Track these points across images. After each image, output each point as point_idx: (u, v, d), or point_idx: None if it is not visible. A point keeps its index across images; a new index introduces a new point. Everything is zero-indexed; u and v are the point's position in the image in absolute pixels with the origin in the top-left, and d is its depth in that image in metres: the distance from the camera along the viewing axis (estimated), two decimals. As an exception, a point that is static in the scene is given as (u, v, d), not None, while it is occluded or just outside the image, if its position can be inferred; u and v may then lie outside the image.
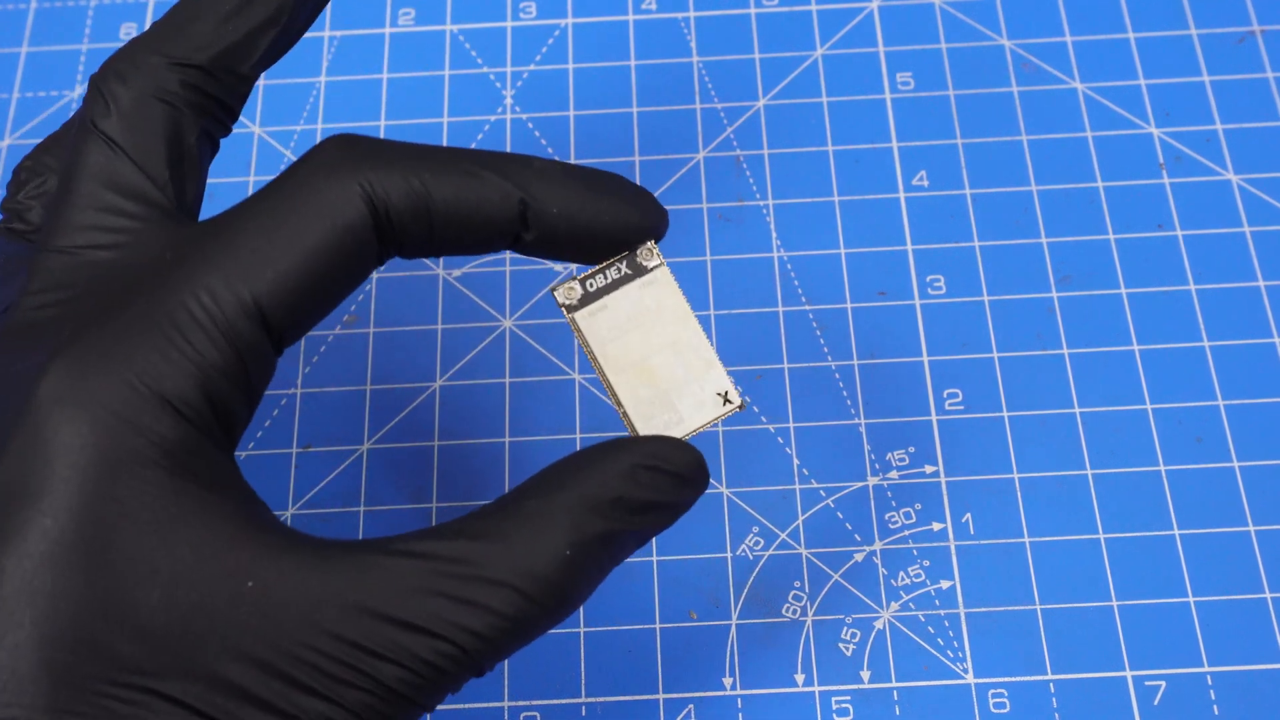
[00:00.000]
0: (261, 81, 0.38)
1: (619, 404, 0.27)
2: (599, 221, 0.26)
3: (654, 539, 0.30)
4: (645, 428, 0.27)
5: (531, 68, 0.38)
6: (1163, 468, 0.32)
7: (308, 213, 0.24)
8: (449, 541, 0.23)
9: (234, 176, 0.37)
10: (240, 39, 0.26)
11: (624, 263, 0.27)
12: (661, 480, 0.25)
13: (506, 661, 0.31)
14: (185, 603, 0.21)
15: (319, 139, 0.37)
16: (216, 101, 0.26)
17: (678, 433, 0.26)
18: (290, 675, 0.21)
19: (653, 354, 0.27)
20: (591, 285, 0.27)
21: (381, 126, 0.37)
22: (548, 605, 0.23)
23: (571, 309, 0.27)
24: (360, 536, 0.32)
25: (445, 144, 0.37)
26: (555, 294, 0.27)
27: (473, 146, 0.36)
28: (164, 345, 0.23)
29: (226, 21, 0.26)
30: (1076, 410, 0.33)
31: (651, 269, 0.27)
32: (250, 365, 0.23)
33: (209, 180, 0.29)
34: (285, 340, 0.24)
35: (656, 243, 0.26)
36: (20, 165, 0.28)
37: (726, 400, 0.27)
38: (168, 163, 0.25)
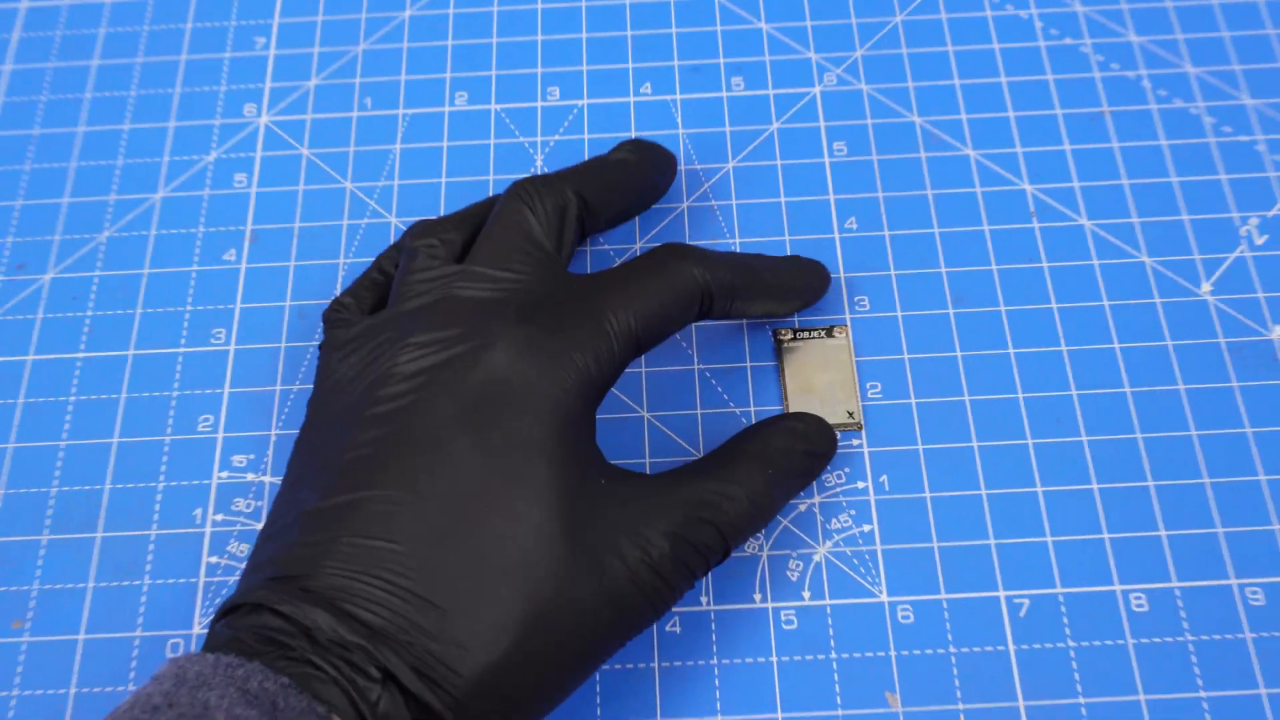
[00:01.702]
0: (351, 148, 0.40)
1: (785, 397, 0.35)
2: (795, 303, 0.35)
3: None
4: None
5: (556, 137, 0.40)
6: (1029, 440, 0.34)
7: (667, 279, 0.31)
8: (713, 472, 0.30)
9: (331, 220, 0.38)
10: (612, 200, 0.35)
11: (823, 330, 0.36)
12: (815, 437, 0.32)
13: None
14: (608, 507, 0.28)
15: (395, 194, 0.39)
16: (585, 219, 0.33)
17: None
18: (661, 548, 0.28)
19: (818, 379, 0.35)
20: (800, 335, 0.36)
21: (442, 183, 0.39)
22: (761, 508, 0.30)
23: (783, 341, 0.35)
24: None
25: (491, 195, 0.38)
26: (777, 332, 0.36)
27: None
28: (600, 337, 0.29)
29: (610, 190, 0.34)
30: (966, 398, 0.35)
31: (838, 337, 0.35)
32: (623, 364, 0.30)
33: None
34: (640, 352, 0.30)
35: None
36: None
37: (850, 415, 0.34)
38: (558, 233, 0.32)
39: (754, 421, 0.34)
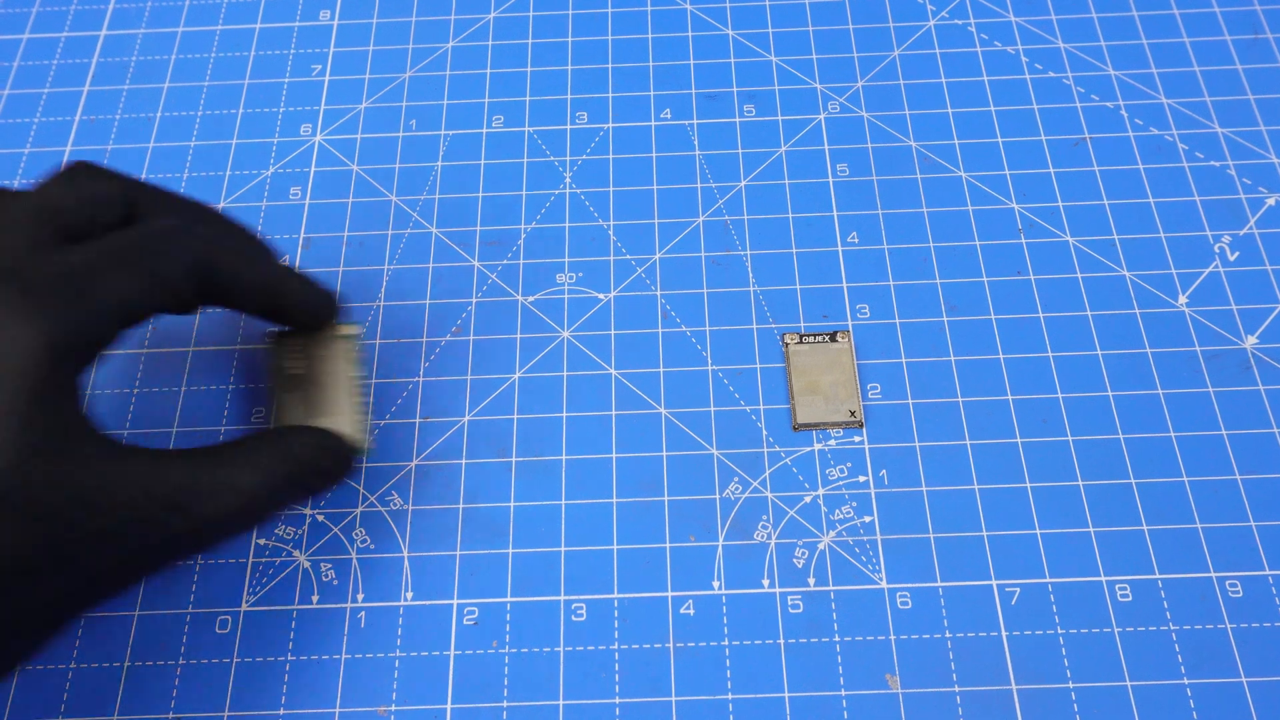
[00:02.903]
0: (397, 165, 0.38)
1: (791, 396, 0.32)
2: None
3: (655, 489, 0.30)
4: (803, 414, 0.32)
5: (584, 157, 0.38)
6: (1019, 440, 0.32)
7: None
8: (206, 456, 0.25)
9: (377, 230, 0.36)
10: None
11: (826, 335, 0.33)
12: (329, 456, 0.28)
13: (563, 565, 0.30)
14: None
15: (436, 207, 0.37)
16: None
17: (816, 417, 0.32)
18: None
19: (822, 379, 0.33)
20: (805, 340, 0.33)
21: (479, 197, 0.37)
22: (248, 509, 0.25)
23: (788, 345, 0.33)
24: (462, 483, 0.32)
25: (524, 210, 0.37)
26: (784, 337, 0.33)
27: (541, 213, 0.36)
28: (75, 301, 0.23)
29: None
30: (960, 400, 0.33)
31: (841, 341, 0.33)
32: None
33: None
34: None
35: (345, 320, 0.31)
36: None
37: (852, 414, 0.32)
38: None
39: (761, 421, 0.32)
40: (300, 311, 0.30)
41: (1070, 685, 0.28)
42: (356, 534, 0.31)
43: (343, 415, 0.30)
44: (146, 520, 0.23)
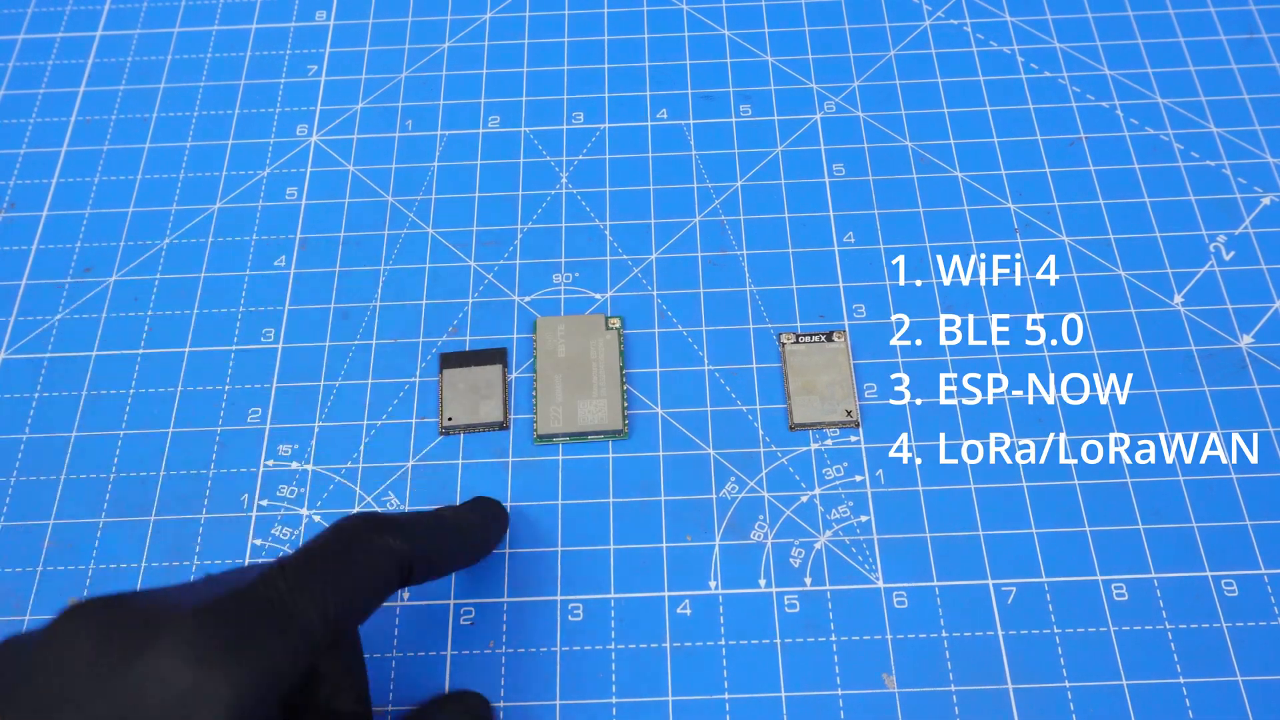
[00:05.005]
0: (393, 165, 0.38)
1: (788, 396, 0.32)
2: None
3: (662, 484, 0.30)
4: (799, 414, 0.32)
5: (580, 157, 0.38)
6: (1014, 439, 0.32)
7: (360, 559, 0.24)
8: None
9: (374, 230, 0.36)
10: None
11: (823, 335, 0.33)
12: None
13: (559, 565, 0.30)
14: None
15: (432, 207, 0.37)
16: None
17: (813, 417, 0.32)
18: None
19: (819, 379, 0.32)
20: (802, 340, 0.33)
21: (475, 197, 0.37)
22: None
23: (785, 345, 0.33)
24: (459, 483, 0.32)
25: (520, 210, 0.36)
26: (780, 337, 0.33)
27: (538, 213, 0.36)
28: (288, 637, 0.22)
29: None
30: (957, 401, 0.33)
31: (837, 341, 0.33)
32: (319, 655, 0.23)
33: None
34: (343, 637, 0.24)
35: None
36: None
37: (848, 414, 0.32)
38: None
39: (758, 421, 0.32)
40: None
41: (1066, 684, 0.28)
42: (353, 534, 0.31)
43: (604, 398, 0.32)
44: None
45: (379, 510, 0.29)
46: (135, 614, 0.20)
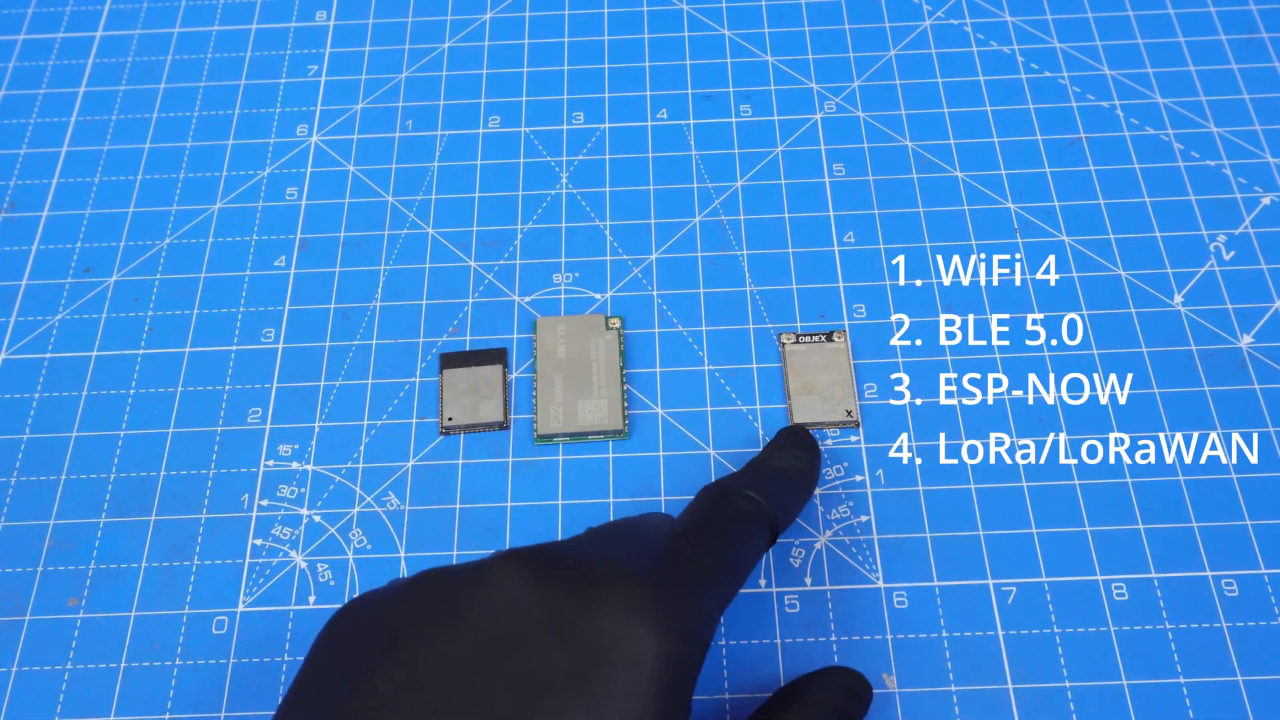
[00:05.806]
0: (394, 165, 0.38)
1: (788, 396, 0.32)
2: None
3: (662, 486, 0.30)
4: (799, 414, 0.32)
5: (580, 157, 0.38)
6: (1015, 439, 0.32)
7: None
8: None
9: (374, 230, 0.36)
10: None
11: (823, 335, 0.33)
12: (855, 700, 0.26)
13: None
14: None
15: (433, 207, 0.37)
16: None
17: (813, 417, 0.32)
18: None
19: (819, 379, 0.32)
20: (802, 339, 0.33)
21: (476, 198, 0.37)
22: None
23: (785, 345, 0.33)
24: (459, 483, 0.32)
25: (520, 210, 0.36)
26: (780, 337, 0.33)
27: (538, 213, 0.36)
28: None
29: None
30: (958, 401, 0.33)
31: (837, 341, 0.33)
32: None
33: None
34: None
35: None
36: None
37: (848, 414, 0.32)
38: None
39: (758, 421, 0.32)
40: None
41: (1067, 684, 0.28)
42: (353, 534, 0.31)
43: (604, 398, 0.32)
44: None
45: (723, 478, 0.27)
46: (578, 571, 0.21)
